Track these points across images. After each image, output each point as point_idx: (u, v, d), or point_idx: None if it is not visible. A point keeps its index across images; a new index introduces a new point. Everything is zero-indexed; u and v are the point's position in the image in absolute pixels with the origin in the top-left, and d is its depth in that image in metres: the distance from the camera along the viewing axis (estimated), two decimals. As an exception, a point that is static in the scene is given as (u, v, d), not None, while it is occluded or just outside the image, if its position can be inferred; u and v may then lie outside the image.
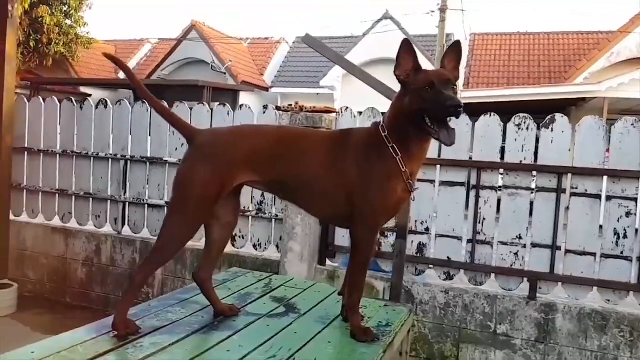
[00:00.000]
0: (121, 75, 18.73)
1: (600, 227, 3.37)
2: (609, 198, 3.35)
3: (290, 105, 3.87)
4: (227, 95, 11.41)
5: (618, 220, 3.32)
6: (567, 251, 3.42)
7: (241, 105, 4.24)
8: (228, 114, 4.22)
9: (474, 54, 16.48)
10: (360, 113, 3.84)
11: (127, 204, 4.56)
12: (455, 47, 1.82)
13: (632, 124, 3.30)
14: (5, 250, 4.69)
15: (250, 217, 4.16)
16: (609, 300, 3.36)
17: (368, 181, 1.77)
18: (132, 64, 19.88)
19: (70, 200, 4.76)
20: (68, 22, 12.98)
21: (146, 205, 4.48)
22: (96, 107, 4.65)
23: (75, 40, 13.20)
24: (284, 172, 1.84)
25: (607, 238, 3.35)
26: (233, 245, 4.23)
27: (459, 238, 3.63)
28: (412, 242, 3.71)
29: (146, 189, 4.49)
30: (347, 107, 3.84)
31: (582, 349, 3.34)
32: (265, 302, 2.20)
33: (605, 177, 3.35)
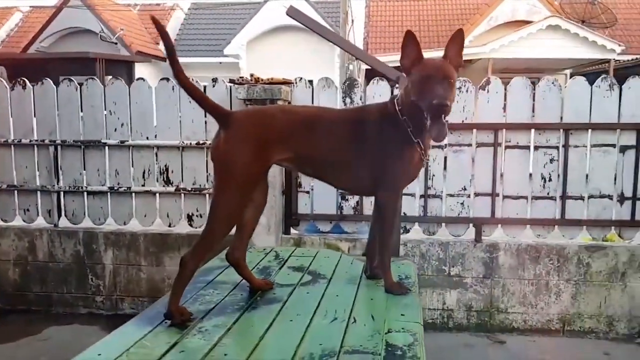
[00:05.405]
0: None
1: (530, 174, 3.88)
2: (536, 148, 3.85)
3: (243, 77, 3.85)
4: (121, 67, 10.60)
5: (544, 167, 3.85)
6: (505, 197, 3.89)
7: (164, 79, 4.08)
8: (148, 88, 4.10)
9: (371, 19, 16.92)
10: (311, 82, 3.95)
11: (62, 193, 4.27)
12: (458, 35, 1.98)
13: (552, 83, 3.79)
14: None
15: (207, 195, 4.07)
16: (539, 235, 3.92)
17: (387, 150, 1.94)
18: (0, 36, 17.63)
19: (-11, 195, 4.33)
20: None
21: (85, 193, 4.23)
22: (12, 89, 4.24)
23: None
24: (311, 148, 1.95)
25: (536, 182, 3.87)
26: (191, 225, 4.17)
27: (412, 194, 3.95)
28: (371, 202, 3.95)
29: (83, 175, 4.23)
30: (302, 78, 3.92)
31: (521, 279, 3.87)
32: (289, 273, 2.30)
33: (532, 130, 3.83)
